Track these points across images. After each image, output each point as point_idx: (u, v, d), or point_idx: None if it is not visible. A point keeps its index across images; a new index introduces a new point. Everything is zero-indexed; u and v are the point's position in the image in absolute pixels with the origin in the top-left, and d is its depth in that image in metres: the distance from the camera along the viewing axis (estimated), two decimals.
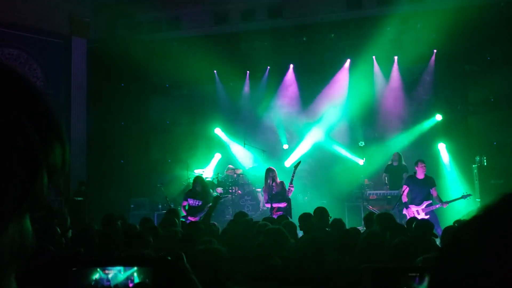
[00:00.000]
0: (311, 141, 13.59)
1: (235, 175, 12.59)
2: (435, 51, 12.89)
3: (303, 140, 13.68)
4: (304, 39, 13.30)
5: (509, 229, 0.59)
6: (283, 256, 4.19)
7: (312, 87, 13.92)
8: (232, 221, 6.49)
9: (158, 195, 12.84)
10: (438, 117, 12.73)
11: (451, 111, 12.93)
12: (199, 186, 9.37)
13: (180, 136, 14.34)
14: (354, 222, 9.81)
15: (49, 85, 12.67)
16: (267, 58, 13.29)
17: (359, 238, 4.62)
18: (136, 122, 14.10)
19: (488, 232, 0.61)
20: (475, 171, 11.30)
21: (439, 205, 8.85)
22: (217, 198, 8.14)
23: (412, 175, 9.43)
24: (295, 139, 13.90)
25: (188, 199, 9.23)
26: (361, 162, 12.98)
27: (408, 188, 9.18)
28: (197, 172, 12.87)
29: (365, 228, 6.61)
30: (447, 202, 8.85)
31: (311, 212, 6.56)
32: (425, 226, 5.28)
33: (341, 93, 13.66)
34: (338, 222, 6.26)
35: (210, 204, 9.22)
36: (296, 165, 9.27)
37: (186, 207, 9.11)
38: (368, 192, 11.45)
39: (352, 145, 13.44)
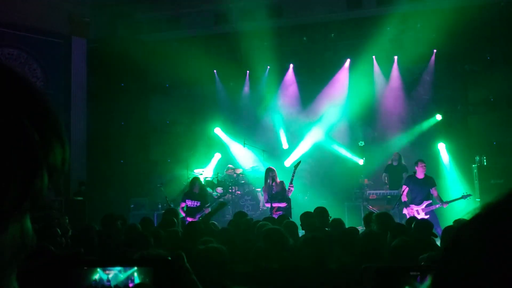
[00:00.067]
0: (311, 141, 13.60)
1: (235, 174, 12.60)
2: (435, 51, 12.90)
3: (303, 140, 13.69)
4: (304, 39, 13.31)
5: (510, 229, 0.59)
6: (283, 257, 4.19)
7: (312, 87, 13.92)
8: (232, 221, 6.48)
9: (158, 195, 12.84)
10: (438, 117, 12.74)
11: (451, 111, 12.94)
12: (197, 187, 9.37)
13: (180, 136, 14.35)
14: (354, 222, 9.81)
15: (49, 85, 12.67)
16: (267, 58, 13.29)
17: (356, 238, 4.62)
18: (136, 122, 14.10)
19: (489, 232, 0.60)
20: (475, 171, 11.30)
21: (439, 205, 8.84)
22: (223, 204, 8.14)
23: (412, 175, 9.42)
24: (295, 139, 13.91)
25: (186, 200, 9.23)
26: (360, 162, 13.00)
27: (408, 188, 9.17)
28: (197, 172, 12.88)
29: (364, 228, 6.61)
30: (447, 202, 8.85)
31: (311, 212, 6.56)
32: (425, 226, 5.28)
33: (341, 93, 13.67)
34: (338, 222, 6.26)
35: (209, 204, 9.26)
36: (296, 165, 9.27)
37: (185, 208, 9.11)
38: (368, 192, 11.46)
39: (352, 145, 13.45)
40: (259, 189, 11.59)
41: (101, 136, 13.47)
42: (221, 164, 13.76)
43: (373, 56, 13.36)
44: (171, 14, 13.81)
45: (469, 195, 9.01)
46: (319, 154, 13.40)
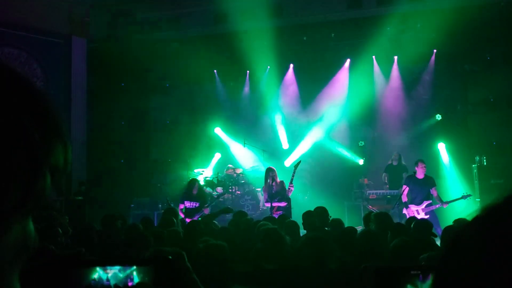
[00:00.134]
0: (311, 141, 13.60)
1: (235, 174, 12.60)
2: (435, 50, 12.89)
3: (303, 139, 13.69)
4: (304, 38, 13.30)
5: (510, 230, 0.59)
6: (281, 257, 4.19)
7: (312, 86, 13.91)
8: (232, 220, 6.48)
9: (158, 195, 12.85)
10: (438, 116, 12.73)
11: (451, 111, 12.94)
12: (196, 189, 9.37)
13: (180, 136, 14.34)
14: (353, 221, 9.81)
15: (49, 85, 12.66)
16: (267, 57, 13.28)
17: (354, 237, 4.63)
18: (136, 122, 14.09)
19: (490, 232, 0.61)
20: (475, 171, 11.30)
21: (439, 205, 8.85)
22: (228, 210, 8.13)
23: (412, 174, 9.43)
24: (295, 138, 13.90)
25: (185, 201, 9.23)
26: (360, 161, 13.01)
27: (408, 188, 9.18)
28: (197, 171, 12.88)
29: (364, 227, 6.61)
30: (447, 202, 8.85)
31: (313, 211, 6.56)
32: (424, 226, 5.29)
33: (341, 92, 13.67)
34: (337, 222, 6.26)
35: (208, 204, 9.25)
36: (296, 164, 9.27)
37: (183, 210, 9.09)
38: (368, 191, 11.46)
39: (352, 145, 13.46)
40: (259, 189, 11.59)
41: (101, 135, 13.47)
42: (221, 164, 13.76)
43: (373, 56, 13.36)
44: (171, 14, 13.79)
45: (469, 195, 9.01)
46: (319, 154, 13.39)
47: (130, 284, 1.25)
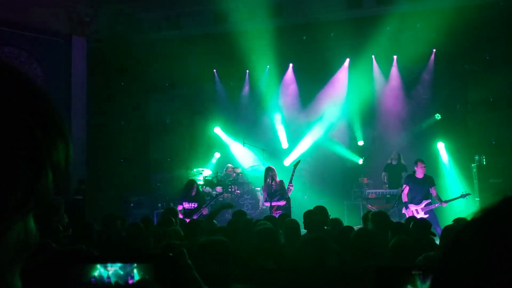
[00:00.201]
0: (310, 140, 13.60)
1: (234, 174, 12.59)
2: (434, 50, 12.89)
3: (302, 139, 13.69)
4: (304, 38, 13.29)
5: (509, 231, 0.60)
6: (277, 255, 4.20)
7: (311, 86, 13.91)
8: (232, 220, 6.48)
9: (158, 194, 12.84)
10: (438, 116, 12.73)
11: (451, 110, 12.93)
12: (194, 190, 9.36)
13: (180, 135, 14.35)
14: (353, 221, 9.81)
15: (49, 84, 12.64)
16: (266, 57, 13.28)
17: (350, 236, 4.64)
18: (136, 121, 14.08)
19: (490, 233, 0.61)
20: (474, 170, 11.30)
21: (438, 204, 8.85)
22: (230, 205, 8.13)
23: (411, 174, 9.43)
24: (294, 138, 13.90)
25: (183, 203, 9.22)
26: (360, 161, 13.02)
27: (407, 187, 9.18)
28: (197, 171, 12.88)
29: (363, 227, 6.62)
30: (446, 201, 8.86)
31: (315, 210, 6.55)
32: (423, 225, 5.29)
33: (340, 92, 13.67)
34: (336, 222, 6.27)
35: (206, 204, 9.26)
36: (296, 164, 9.28)
37: (182, 211, 9.08)
38: (368, 191, 11.47)
39: (352, 144, 13.46)
40: (258, 188, 11.59)
41: (101, 135, 13.45)
42: (220, 163, 13.76)
43: (373, 56, 13.36)
44: (171, 13, 13.79)
45: (468, 194, 9.03)
46: (318, 153, 13.40)
47: (130, 281, 1.25)
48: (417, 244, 4.45)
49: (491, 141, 12.04)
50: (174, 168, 13.89)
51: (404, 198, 9.14)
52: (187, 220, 8.26)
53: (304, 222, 6.03)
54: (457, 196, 9.02)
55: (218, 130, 14.30)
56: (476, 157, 11.36)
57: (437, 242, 5.27)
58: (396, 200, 9.48)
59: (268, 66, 13.91)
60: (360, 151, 13.30)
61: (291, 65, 14.12)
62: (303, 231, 5.99)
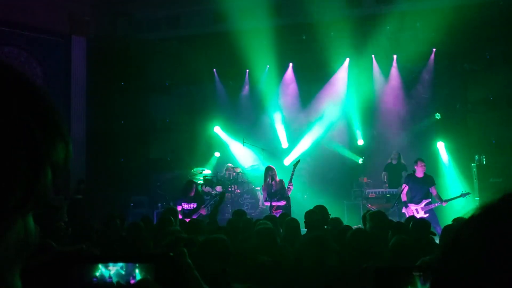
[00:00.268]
0: (310, 140, 13.61)
1: (234, 173, 12.59)
2: (434, 49, 12.90)
3: (302, 138, 13.69)
4: (304, 37, 13.29)
5: (509, 229, 0.59)
6: (275, 253, 4.21)
7: (311, 85, 13.92)
8: (231, 219, 6.47)
9: (158, 194, 12.84)
10: (437, 115, 12.74)
11: (451, 109, 12.94)
12: (193, 191, 9.36)
13: (180, 135, 14.35)
14: (353, 220, 9.81)
15: (49, 83, 12.65)
16: (266, 56, 13.28)
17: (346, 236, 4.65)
18: (135, 121, 14.08)
19: (489, 231, 0.61)
20: (474, 169, 11.31)
21: (438, 203, 8.85)
22: (223, 195, 8.15)
23: (411, 173, 9.43)
24: (294, 137, 13.91)
25: (182, 203, 9.22)
26: (359, 160, 13.02)
27: (407, 187, 9.18)
28: (196, 170, 12.87)
29: (363, 226, 6.62)
30: (446, 201, 8.86)
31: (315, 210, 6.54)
32: (422, 225, 5.29)
33: (340, 91, 13.67)
34: (336, 221, 6.27)
35: (205, 204, 9.26)
36: (296, 163, 9.28)
37: (181, 212, 9.07)
38: (367, 190, 11.46)
39: (352, 144, 13.46)
40: (258, 188, 11.59)
41: (100, 134, 13.45)
42: (220, 163, 13.76)
43: (373, 55, 13.36)
44: (170, 13, 13.79)
45: (468, 193, 9.03)
46: (318, 153, 13.40)
47: (132, 281, 1.25)
48: (417, 243, 4.45)
49: (491, 140, 12.05)
50: (174, 167, 13.89)
51: (404, 197, 9.14)
52: (187, 220, 8.28)
53: (305, 222, 6.02)
54: (457, 196, 9.02)
55: (218, 130, 14.30)
56: (476, 157, 11.37)
57: (437, 241, 5.27)
58: (396, 199, 9.48)
59: (268, 66, 13.91)
60: (360, 151, 13.30)
61: (291, 64, 14.12)
62: (303, 230, 6.00)
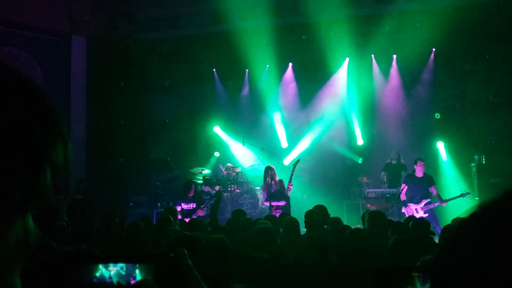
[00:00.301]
0: (310, 140, 13.60)
1: (233, 173, 12.59)
2: (434, 49, 12.89)
3: (302, 138, 13.69)
4: (303, 37, 13.28)
5: (509, 227, 0.59)
6: (278, 255, 4.21)
7: (311, 85, 13.92)
8: (231, 219, 6.47)
9: (158, 194, 12.84)
10: (437, 115, 12.74)
11: (450, 109, 12.93)
12: (192, 191, 9.37)
13: (180, 135, 14.35)
14: (353, 220, 9.81)
15: (49, 83, 12.65)
16: (266, 56, 13.28)
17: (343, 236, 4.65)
18: (135, 121, 14.08)
19: (488, 230, 0.60)
20: (474, 169, 11.31)
21: (438, 203, 8.85)
22: (219, 193, 8.16)
23: (411, 173, 9.43)
24: (294, 137, 13.91)
25: (182, 203, 9.22)
26: (359, 160, 13.02)
27: (406, 187, 9.18)
28: (196, 169, 12.87)
29: (362, 226, 6.62)
30: (446, 201, 8.86)
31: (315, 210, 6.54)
32: (421, 225, 5.30)
33: (340, 91, 13.67)
34: (336, 221, 6.27)
35: (205, 204, 9.27)
36: (295, 163, 9.28)
37: (181, 212, 9.07)
38: (367, 190, 11.45)
39: (351, 144, 13.46)
40: (258, 188, 11.59)
41: (100, 134, 13.45)
42: (220, 163, 13.75)
43: (372, 55, 13.36)
44: (170, 13, 13.79)
45: (467, 193, 9.03)
46: (318, 153, 13.39)
47: (132, 282, 1.25)
48: (416, 242, 4.45)
49: (490, 140, 12.04)
50: (174, 167, 13.89)
51: (403, 197, 9.14)
52: (186, 220, 8.29)
53: (305, 221, 6.03)
54: (457, 195, 9.01)
55: (217, 130, 14.30)
56: (476, 157, 11.37)
57: (437, 241, 5.27)
58: (395, 199, 9.48)
59: (267, 66, 13.91)
60: (359, 151, 13.29)
61: (290, 64, 14.12)
62: (302, 230, 6.00)
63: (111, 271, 1.25)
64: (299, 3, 12.74)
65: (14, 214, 0.61)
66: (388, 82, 13.43)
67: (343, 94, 13.66)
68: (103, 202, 11.79)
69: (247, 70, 14.19)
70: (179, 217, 8.69)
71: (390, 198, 10.76)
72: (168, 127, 14.61)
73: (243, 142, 12.87)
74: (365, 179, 12.15)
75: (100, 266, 1.24)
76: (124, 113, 13.89)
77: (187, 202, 9.19)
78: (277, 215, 7.31)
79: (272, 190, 8.77)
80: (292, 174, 8.98)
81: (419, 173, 9.15)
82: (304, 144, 13.60)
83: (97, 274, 1.24)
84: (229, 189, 11.99)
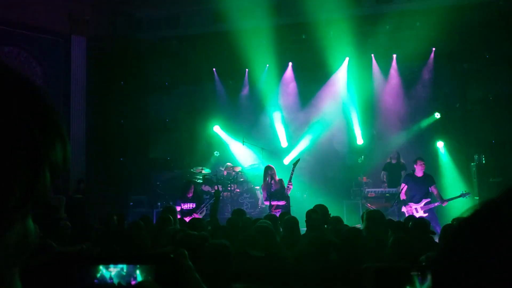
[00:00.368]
0: (310, 139, 13.61)
1: (233, 172, 12.59)
2: (434, 49, 12.89)
3: (302, 138, 13.70)
4: (303, 37, 13.28)
5: (509, 227, 0.59)
6: (271, 247, 4.21)
7: (311, 85, 13.93)
8: (231, 218, 6.47)
9: (157, 193, 12.84)
10: (437, 115, 12.74)
11: (450, 109, 12.94)
12: (191, 191, 9.36)
13: (180, 134, 14.34)
14: (352, 220, 9.82)
15: (49, 83, 12.64)
16: (266, 56, 13.28)
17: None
18: (135, 120, 14.07)
19: (489, 230, 0.60)
20: (474, 169, 11.30)
21: (438, 203, 8.85)
22: (218, 193, 8.16)
23: (410, 173, 9.43)
24: (294, 137, 13.91)
25: (181, 203, 9.22)
26: (359, 160, 13.02)
27: (406, 186, 9.18)
28: (197, 170, 12.87)
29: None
30: (446, 200, 8.86)
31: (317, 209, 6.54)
32: (421, 224, 5.30)
33: (339, 91, 13.68)
34: (336, 220, 6.27)
35: (204, 204, 9.27)
36: (295, 162, 9.27)
37: (180, 212, 9.07)
38: (367, 190, 11.46)
39: (351, 143, 13.46)
40: (258, 187, 11.60)
41: (100, 134, 13.44)
42: (220, 162, 13.76)
43: (372, 54, 13.37)
44: (170, 12, 13.79)
45: (468, 193, 9.02)
46: (318, 152, 13.40)
47: (133, 282, 1.25)
48: (416, 242, 4.45)
49: (490, 140, 12.04)
50: (173, 167, 13.89)
51: (402, 196, 9.14)
52: (186, 220, 8.29)
53: (306, 221, 6.02)
54: (457, 195, 9.01)
55: (217, 129, 14.31)
56: (476, 156, 11.37)
57: (437, 241, 5.27)
58: (395, 199, 9.48)
59: (267, 65, 13.91)
60: (359, 150, 13.30)
61: (290, 63, 14.13)
62: (302, 229, 6.00)
63: (112, 272, 1.25)
64: (299, 2, 12.73)
65: (14, 214, 0.61)
66: (388, 82, 13.43)
67: (343, 93, 13.66)
68: (103, 201, 11.79)
69: (247, 69, 14.19)
70: (179, 216, 8.72)
71: (390, 197, 10.76)
72: (168, 126, 14.61)
73: (243, 141, 12.87)
74: (365, 179, 12.15)
75: (101, 267, 1.24)
76: (124, 113, 13.88)
77: (186, 202, 9.19)
78: (277, 214, 7.32)
79: (272, 190, 8.77)
80: (292, 174, 8.98)
81: (419, 172, 9.15)
82: (304, 143, 13.60)
83: (98, 275, 1.24)
84: (229, 188, 11.99)
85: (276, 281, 3.75)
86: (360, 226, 6.48)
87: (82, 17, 13.30)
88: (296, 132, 13.90)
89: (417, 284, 1.73)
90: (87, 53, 13.48)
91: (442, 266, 0.64)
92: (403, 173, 10.79)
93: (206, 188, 12.24)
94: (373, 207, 9.90)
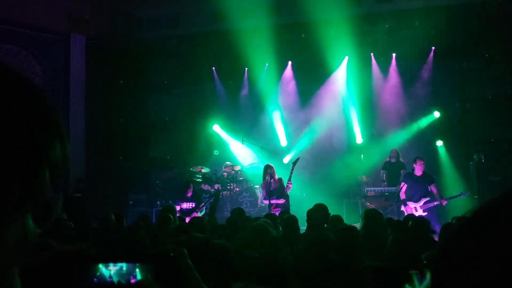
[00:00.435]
0: (309, 138, 13.61)
1: (233, 171, 12.60)
2: (433, 48, 12.90)
3: (301, 137, 13.70)
4: (303, 36, 13.27)
5: (509, 226, 0.59)
6: (266, 246, 4.21)
7: (310, 84, 13.93)
8: (230, 218, 6.46)
9: (157, 192, 12.84)
10: (436, 114, 12.75)
11: (449, 108, 12.94)
12: (190, 191, 9.36)
13: (179, 133, 14.34)
14: (352, 219, 9.82)
15: (48, 82, 12.64)
16: (265, 55, 13.28)
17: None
18: (135, 119, 14.06)
19: (489, 230, 0.60)
20: (473, 168, 11.31)
21: (437, 202, 8.85)
22: (218, 192, 8.17)
23: (410, 172, 9.43)
24: (293, 136, 13.91)
25: (181, 203, 9.22)
26: (358, 159, 13.03)
27: (406, 185, 9.18)
28: (195, 168, 12.87)
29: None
30: (446, 199, 8.87)
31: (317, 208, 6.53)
32: (421, 223, 5.30)
33: (339, 90, 13.68)
34: (337, 219, 6.27)
35: (203, 204, 9.27)
36: (295, 161, 9.28)
37: (180, 211, 9.06)
38: (366, 189, 11.45)
39: (351, 142, 13.46)
40: (257, 186, 11.60)
41: (100, 133, 13.43)
42: (219, 161, 13.76)
43: (372, 53, 13.37)
44: (170, 11, 13.78)
45: (467, 192, 9.03)
46: (317, 151, 13.40)
47: (133, 281, 1.25)
48: (414, 240, 4.45)
49: (489, 138, 12.05)
50: (173, 166, 13.89)
51: (402, 195, 9.14)
52: (187, 219, 8.28)
53: (306, 220, 6.02)
54: (457, 194, 9.02)
55: (217, 128, 14.30)
56: (475, 155, 11.37)
57: (436, 240, 5.27)
58: (395, 197, 9.48)
59: (267, 64, 13.91)
60: (359, 149, 13.30)
61: (290, 63, 14.12)
62: (302, 228, 6.00)
63: (111, 270, 1.25)
64: (299, 2, 12.72)
65: (13, 213, 0.62)
66: (387, 81, 13.43)
67: (342, 92, 13.66)
68: (103, 200, 11.78)
69: (246, 69, 14.19)
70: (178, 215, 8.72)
71: (390, 196, 10.75)
72: (168, 125, 14.61)
73: (243, 140, 12.87)
74: (364, 178, 12.16)
75: (100, 266, 1.24)
76: (123, 112, 13.87)
77: (186, 202, 9.19)
78: (277, 213, 7.32)
79: (272, 188, 8.77)
80: (291, 173, 8.98)
81: (418, 171, 9.15)
82: (303, 142, 13.60)
83: (97, 274, 1.25)
84: (229, 187, 12.00)
85: (274, 280, 3.75)
86: (358, 225, 6.48)
87: (82, 17, 13.28)
88: (295, 131, 13.89)
89: (416, 283, 1.73)
90: (86, 52, 13.47)
91: (442, 266, 0.64)
92: (402, 172, 10.78)
93: (206, 187, 12.24)
94: (372, 206, 9.90)
